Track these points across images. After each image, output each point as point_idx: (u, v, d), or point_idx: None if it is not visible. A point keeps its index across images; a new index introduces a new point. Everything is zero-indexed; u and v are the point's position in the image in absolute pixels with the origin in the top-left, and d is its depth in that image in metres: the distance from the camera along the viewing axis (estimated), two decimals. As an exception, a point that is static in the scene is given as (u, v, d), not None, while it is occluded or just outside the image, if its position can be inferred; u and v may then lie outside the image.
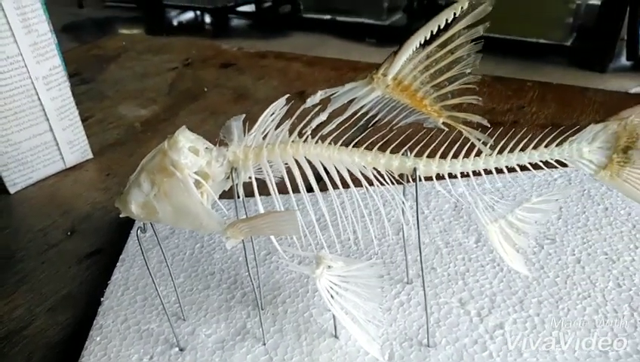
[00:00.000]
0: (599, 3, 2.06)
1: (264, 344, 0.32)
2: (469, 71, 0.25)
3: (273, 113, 0.29)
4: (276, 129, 0.28)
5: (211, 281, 0.37)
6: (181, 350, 0.32)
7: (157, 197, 0.27)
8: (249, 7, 3.08)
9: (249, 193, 0.28)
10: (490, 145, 0.27)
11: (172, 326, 0.32)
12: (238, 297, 0.36)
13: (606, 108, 0.61)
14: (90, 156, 0.57)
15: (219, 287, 0.37)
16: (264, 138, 0.28)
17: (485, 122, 0.25)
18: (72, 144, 0.54)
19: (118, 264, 0.39)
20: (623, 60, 2.05)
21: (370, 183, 0.28)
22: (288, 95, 0.29)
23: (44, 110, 0.50)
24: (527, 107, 0.62)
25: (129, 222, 0.43)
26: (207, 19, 3.17)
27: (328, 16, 2.64)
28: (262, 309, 0.34)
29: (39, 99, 0.50)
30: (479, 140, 0.26)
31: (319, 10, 2.67)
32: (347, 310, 0.29)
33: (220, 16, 3.09)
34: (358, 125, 0.27)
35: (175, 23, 3.21)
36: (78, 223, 0.47)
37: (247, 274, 0.35)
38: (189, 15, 3.21)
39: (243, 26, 3.10)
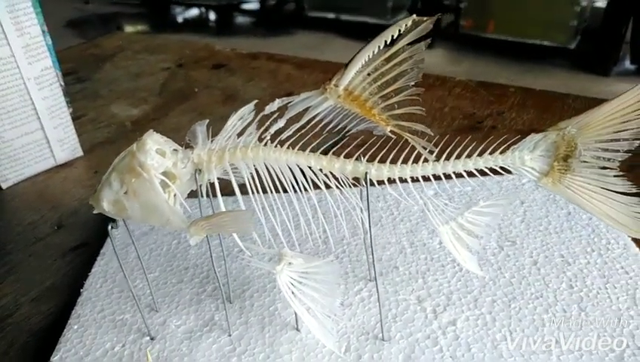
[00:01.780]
0: (604, 6, 2.06)
1: (229, 335, 0.34)
2: (412, 83, 0.27)
3: (241, 118, 0.31)
4: (240, 134, 0.30)
5: (185, 275, 0.39)
6: (152, 339, 0.34)
7: (126, 195, 0.29)
8: (253, 5, 3.10)
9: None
10: (434, 152, 0.28)
11: (144, 317, 0.34)
12: (209, 291, 0.38)
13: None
14: (81, 154, 0.59)
15: (191, 281, 0.39)
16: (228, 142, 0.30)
17: (429, 131, 0.27)
18: (62, 142, 0.56)
19: (98, 258, 0.42)
20: (627, 64, 2.06)
21: (328, 186, 0.30)
22: (257, 101, 0.31)
23: (35, 109, 0.53)
24: (507, 112, 0.64)
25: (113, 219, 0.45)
26: (212, 16, 3.20)
27: (332, 15, 2.66)
28: (230, 302, 0.36)
29: (31, 98, 0.52)
30: (425, 149, 0.28)
31: (323, 9, 2.69)
32: (306, 304, 0.30)
33: (224, 13, 3.12)
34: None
35: (180, 19, 3.24)
36: (66, 218, 0.49)
37: (219, 269, 0.37)
38: (194, 12, 3.24)
39: (247, 23, 3.12)
